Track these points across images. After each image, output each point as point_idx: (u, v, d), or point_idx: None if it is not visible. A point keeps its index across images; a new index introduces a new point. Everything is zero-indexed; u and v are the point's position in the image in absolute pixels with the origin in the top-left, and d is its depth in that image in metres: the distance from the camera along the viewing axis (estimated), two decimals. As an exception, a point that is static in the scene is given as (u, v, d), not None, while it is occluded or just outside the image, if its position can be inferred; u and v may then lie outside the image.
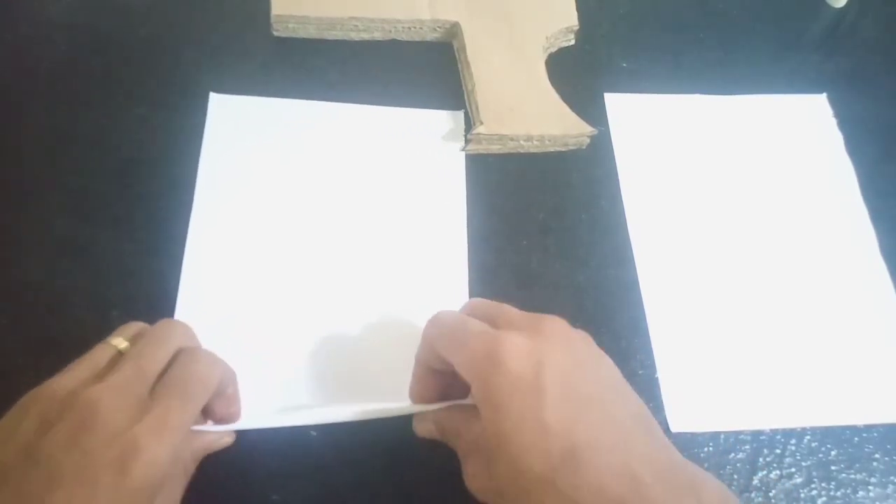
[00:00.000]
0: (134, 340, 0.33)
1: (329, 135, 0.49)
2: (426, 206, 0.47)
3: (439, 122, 0.50)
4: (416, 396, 0.37)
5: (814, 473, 0.42)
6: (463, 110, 0.51)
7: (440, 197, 0.48)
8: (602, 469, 0.28)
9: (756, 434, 0.43)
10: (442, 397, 0.36)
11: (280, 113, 0.49)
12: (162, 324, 0.35)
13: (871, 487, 0.42)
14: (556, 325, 0.33)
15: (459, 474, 0.33)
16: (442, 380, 0.36)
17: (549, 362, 0.30)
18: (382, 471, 0.40)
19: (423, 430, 0.36)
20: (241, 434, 0.37)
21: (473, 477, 0.32)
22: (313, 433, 0.40)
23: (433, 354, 0.34)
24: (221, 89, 0.50)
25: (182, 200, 0.46)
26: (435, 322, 0.35)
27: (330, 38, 0.53)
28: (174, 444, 0.29)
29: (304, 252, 0.45)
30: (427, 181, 0.48)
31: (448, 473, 0.34)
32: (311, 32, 0.53)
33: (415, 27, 0.53)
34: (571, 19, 0.55)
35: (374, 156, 0.49)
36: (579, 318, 0.45)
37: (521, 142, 0.50)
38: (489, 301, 0.37)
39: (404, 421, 0.41)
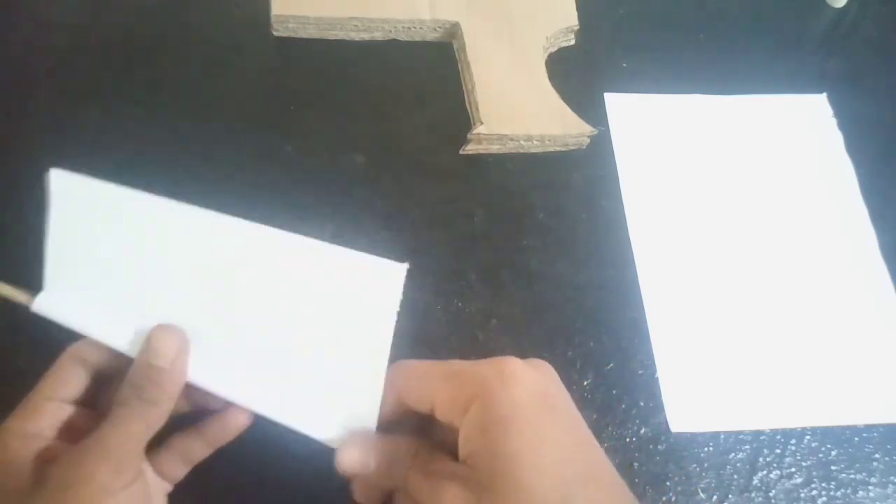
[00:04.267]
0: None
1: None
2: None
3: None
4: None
5: (814, 473, 0.42)
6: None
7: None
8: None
9: (756, 434, 0.43)
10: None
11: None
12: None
13: (871, 487, 0.42)
14: (542, 364, 0.32)
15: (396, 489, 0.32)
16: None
17: (553, 390, 0.30)
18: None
19: (351, 459, 0.31)
20: (239, 435, 0.36)
21: None
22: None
23: (397, 403, 0.31)
24: (221, 88, 0.50)
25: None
26: (400, 366, 0.32)
27: (330, 38, 0.53)
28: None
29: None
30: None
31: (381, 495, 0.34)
32: (311, 32, 0.53)
33: (415, 27, 0.53)
34: (571, 19, 0.55)
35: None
36: (579, 317, 0.45)
37: (521, 142, 0.50)
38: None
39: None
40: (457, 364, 0.31)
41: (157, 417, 0.29)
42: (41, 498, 0.26)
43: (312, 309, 0.30)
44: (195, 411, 0.32)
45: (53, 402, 0.29)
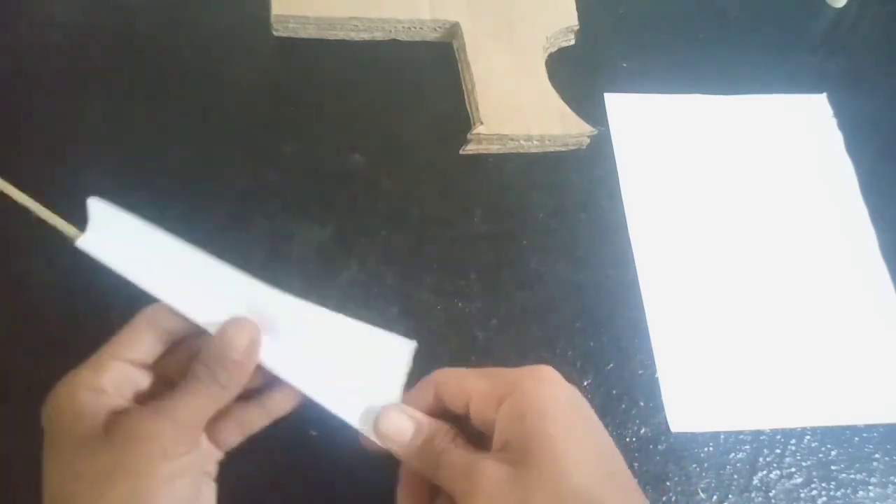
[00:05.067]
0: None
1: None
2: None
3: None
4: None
5: (814, 473, 0.42)
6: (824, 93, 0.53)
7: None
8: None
9: (756, 434, 0.43)
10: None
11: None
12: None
13: (871, 487, 0.42)
14: (550, 368, 0.32)
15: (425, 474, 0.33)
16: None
17: (580, 400, 0.31)
18: (382, 471, 0.40)
19: (391, 422, 0.31)
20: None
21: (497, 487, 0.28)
22: (313, 433, 0.40)
23: (433, 403, 0.33)
24: (221, 88, 0.50)
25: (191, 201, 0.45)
26: (440, 372, 0.33)
27: (330, 38, 0.53)
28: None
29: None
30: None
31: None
32: (311, 32, 0.53)
33: (415, 27, 0.53)
34: (571, 19, 0.55)
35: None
36: (579, 318, 0.46)
37: (521, 142, 0.50)
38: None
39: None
40: (491, 369, 0.32)
41: (224, 398, 0.30)
42: (106, 446, 0.28)
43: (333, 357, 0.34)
44: (261, 385, 0.33)
45: (121, 361, 0.30)
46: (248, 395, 0.33)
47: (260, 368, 0.32)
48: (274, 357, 0.32)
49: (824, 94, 0.56)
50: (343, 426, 0.33)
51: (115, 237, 0.32)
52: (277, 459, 0.39)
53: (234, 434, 0.33)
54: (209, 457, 0.33)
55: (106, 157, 0.47)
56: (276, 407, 0.33)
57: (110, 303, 0.43)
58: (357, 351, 0.33)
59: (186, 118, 0.49)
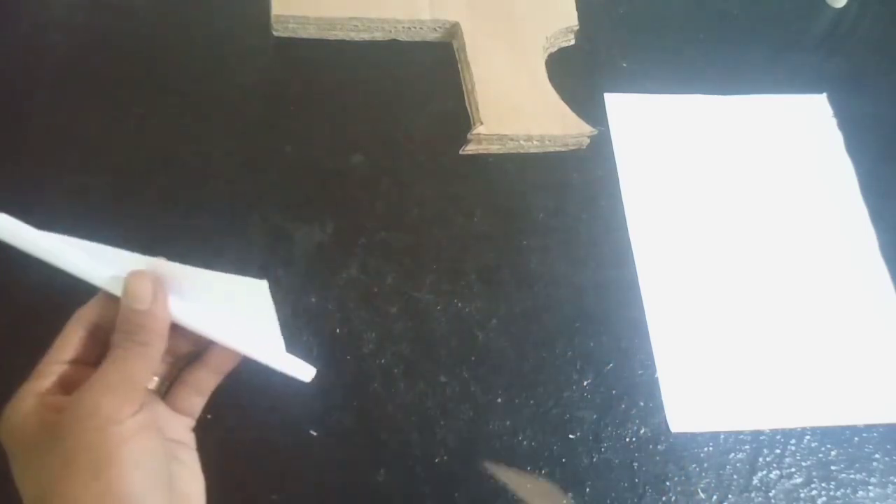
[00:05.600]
0: None
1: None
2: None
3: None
4: None
5: (814, 473, 0.42)
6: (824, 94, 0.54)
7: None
8: None
9: (756, 434, 0.43)
10: None
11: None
12: None
13: (871, 487, 0.42)
14: None
15: (457, 475, 0.33)
16: None
17: None
18: (382, 471, 0.40)
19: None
20: (240, 435, 0.36)
21: None
22: (313, 433, 0.40)
23: None
24: (221, 88, 0.50)
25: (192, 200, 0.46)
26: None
27: (330, 38, 0.53)
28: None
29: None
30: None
31: (447, 474, 0.35)
32: (311, 32, 0.53)
33: (415, 27, 0.53)
34: (571, 19, 0.55)
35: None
36: (580, 317, 0.46)
37: (521, 142, 0.50)
38: None
39: (405, 421, 0.41)
40: None
41: (151, 356, 0.31)
42: (57, 438, 0.28)
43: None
44: (199, 348, 0.34)
45: (60, 364, 0.31)
46: (193, 359, 0.34)
47: (183, 331, 0.32)
48: (182, 313, 0.32)
49: (824, 94, 0.56)
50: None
51: (22, 227, 0.33)
52: (277, 459, 0.39)
53: (193, 397, 0.33)
54: (179, 424, 0.33)
55: (105, 157, 0.47)
56: (222, 363, 0.34)
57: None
58: (231, 297, 0.33)
59: (186, 118, 0.49)
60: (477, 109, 0.50)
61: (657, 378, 0.44)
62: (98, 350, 0.32)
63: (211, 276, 0.33)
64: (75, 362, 0.32)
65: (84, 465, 0.28)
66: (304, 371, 0.33)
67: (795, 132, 0.54)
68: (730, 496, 0.41)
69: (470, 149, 0.50)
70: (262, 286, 0.33)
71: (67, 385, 0.31)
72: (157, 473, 0.30)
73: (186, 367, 0.33)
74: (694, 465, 0.42)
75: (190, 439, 0.33)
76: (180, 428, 0.33)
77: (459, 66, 0.53)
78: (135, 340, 0.30)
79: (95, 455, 0.28)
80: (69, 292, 0.41)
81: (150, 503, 0.29)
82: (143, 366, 0.30)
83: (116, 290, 0.32)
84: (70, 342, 0.32)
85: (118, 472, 0.28)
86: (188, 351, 0.33)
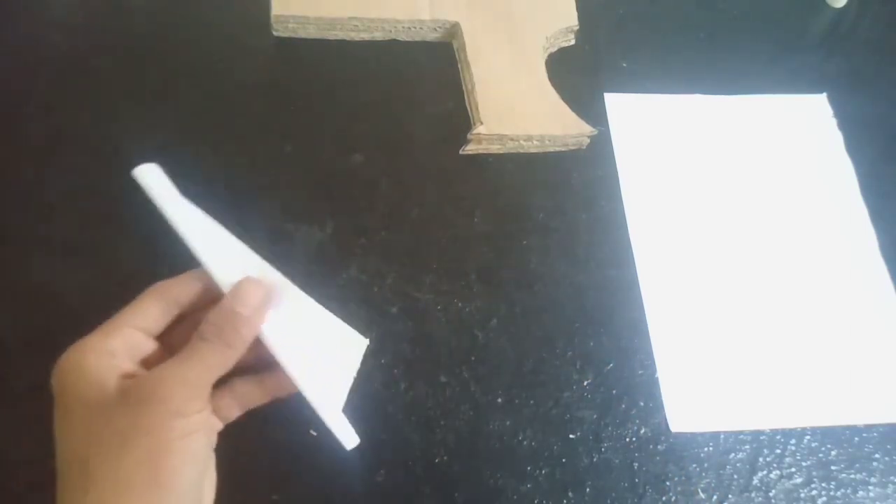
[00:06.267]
0: None
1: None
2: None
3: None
4: None
5: (814, 473, 0.42)
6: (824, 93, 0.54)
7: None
8: None
9: (756, 434, 0.43)
10: None
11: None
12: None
13: (871, 487, 0.42)
14: None
15: (457, 475, 0.33)
16: None
17: None
18: (382, 471, 0.40)
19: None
20: (240, 435, 0.36)
21: None
22: (313, 433, 0.40)
23: None
24: (221, 88, 0.50)
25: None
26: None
27: (330, 38, 0.53)
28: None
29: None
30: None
31: (447, 474, 0.35)
32: (311, 32, 0.53)
33: (415, 27, 0.53)
34: (571, 19, 0.55)
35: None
36: (580, 317, 0.46)
37: (521, 142, 0.50)
38: None
39: (406, 421, 0.41)
40: None
41: (230, 358, 0.31)
42: (120, 409, 0.28)
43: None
44: (258, 364, 0.34)
45: (129, 328, 0.31)
46: (246, 372, 0.34)
47: (256, 342, 0.32)
48: (272, 330, 0.33)
49: (824, 94, 0.56)
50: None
51: (167, 186, 0.34)
52: (277, 459, 0.39)
53: (233, 407, 0.34)
54: (211, 424, 0.34)
55: (105, 157, 0.47)
56: (274, 387, 0.34)
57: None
58: (326, 338, 0.34)
59: (186, 118, 0.49)
60: (477, 109, 0.50)
61: (657, 378, 0.44)
62: (167, 326, 0.33)
63: (319, 311, 0.34)
64: (144, 331, 0.32)
65: (141, 447, 0.28)
66: (349, 437, 0.33)
67: (795, 132, 0.54)
68: (730, 496, 0.41)
69: (470, 149, 0.50)
70: (361, 343, 0.34)
71: (134, 352, 0.31)
72: (201, 472, 0.30)
73: (239, 378, 0.33)
74: (694, 465, 0.42)
75: (215, 441, 0.34)
76: (212, 430, 0.33)
77: (459, 66, 0.53)
78: (222, 339, 0.31)
79: (155, 442, 0.28)
80: (69, 292, 0.41)
81: (190, 500, 0.29)
82: (221, 365, 0.31)
83: (221, 282, 0.32)
84: (144, 311, 0.32)
85: (172, 464, 0.28)
86: (250, 363, 0.33)
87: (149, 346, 0.32)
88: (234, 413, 0.34)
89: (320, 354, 0.34)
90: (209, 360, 0.30)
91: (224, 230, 0.34)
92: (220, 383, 0.32)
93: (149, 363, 0.31)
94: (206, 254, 0.33)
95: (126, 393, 0.29)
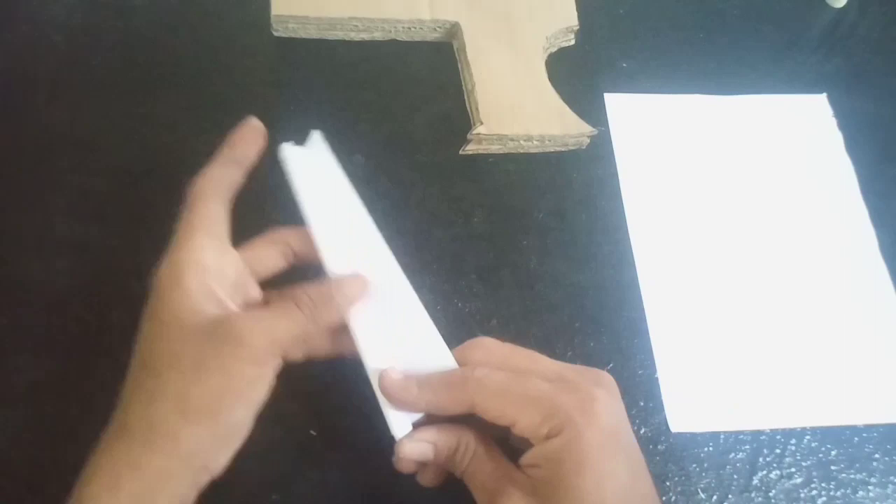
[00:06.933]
0: None
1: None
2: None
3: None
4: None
5: (814, 473, 0.42)
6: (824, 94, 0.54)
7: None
8: None
9: (756, 434, 0.43)
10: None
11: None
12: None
13: (871, 487, 0.42)
14: (611, 382, 0.33)
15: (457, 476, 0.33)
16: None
17: (623, 424, 0.32)
18: (383, 471, 0.40)
19: (413, 451, 0.33)
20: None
21: None
22: (313, 433, 0.40)
23: (470, 410, 0.32)
24: (221, 88, 0.50)
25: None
26: (479, 383, 0.32)
27: (330, 38, 0.53)
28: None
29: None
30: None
31: (447, 474, 0.34)
32: (311, 32, 0.53)
33: (415, 27, 0.53)
34: (571, 19, 0.55)
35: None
36: (579, 318, 0.46)
37: (521, 142, 0.50)
38: (514, 347, 0.35)
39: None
40: (538, 385, 0.32)
41: (311, 333, 0.34)
42: (205, 338, 0.31)
43: None
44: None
45: (208, 236, 0.34)
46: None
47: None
48: (362, 329, 0.35)
49: (824, 94, 0.56)
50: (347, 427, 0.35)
51: (312, 165, 0.37)
52: (277, 459, 0.39)
53: (299, 351, 0.36)
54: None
55: (104, 157, 0.47)
56: (342, 345, 0.36)
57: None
58: (425, 364, 0.35)
59: (186, 118, 0.49)
60: (477, 109, 0.50)
61: (657, 378, 0.44)
62: (229, 226, 0.35)
63: (422, 317, 0.36)
64: (253, 268, 0.35)
65: (213, 380, 0.30)
66: (401, 426, 0.33)
67: (795, 132, 0.54)
68: (730, 496, 0.41)
69: (470, 149, 0.50)
70: (447, 357, 0.34)
71: (232, 285, 0.33)
72: (255, 416, 0.32)
73: None
74: (694, 465, 0.42)
75: None
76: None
77: (459, 66, 0.53)
78: (313, 314, 0.33)
79: (229, 381, 0.30)
80: (69, 292, 0.41)
81: (238, 438, 0.32)
82: (304, 334, 0.33)
83: (330, 263, 0.35)
84: (212, 215, 0.34)
85: (234, 405, 0.31)
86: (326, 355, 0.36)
87: (232, 272, 0.34)
88: (299, 357, 0.36)
89: (404, 352, 0.35)
90: (296, 325, 0.32)
91: (360, 211, 0.37)
92: None
93: (235, 293, 0.34)
94: (323, 232, 0.36)
95: (216, 326, 0.31)
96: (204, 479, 0.32)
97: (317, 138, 0.38)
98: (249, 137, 0.37)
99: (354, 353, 0.35)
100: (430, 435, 0.33)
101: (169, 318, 0.31)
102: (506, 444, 0.34)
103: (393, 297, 0.36)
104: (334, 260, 0.35)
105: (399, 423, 0.33)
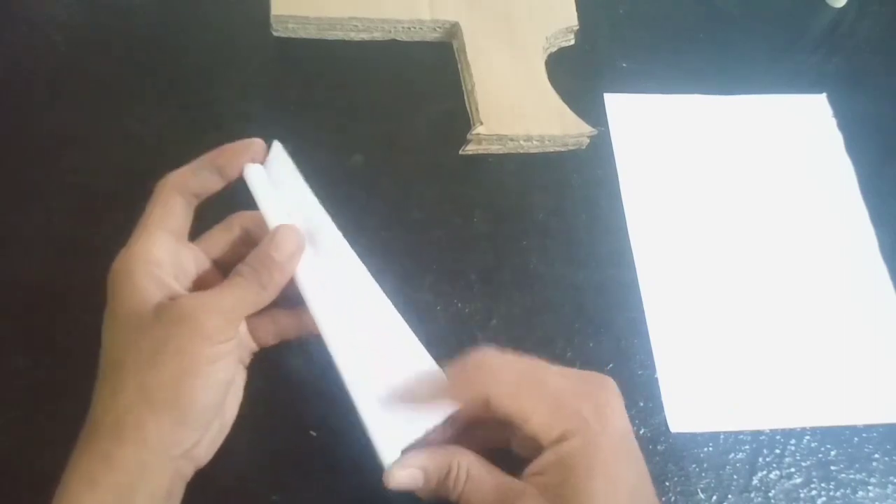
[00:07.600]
0: None
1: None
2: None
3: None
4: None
5: (813, 473, 0.42)
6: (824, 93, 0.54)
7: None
8: None
9: (756, 434, 0.43)
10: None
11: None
12: None
13: (870, 487, 0.42)
14: (615, 386, 0.33)
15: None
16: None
17: (629, 428, 0.32)
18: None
19: (402, 480, 0.32)
20: (240, 434, 0.36)
21: None
22: (313, 433, 0.40)
23: (481, 404, 0.32)
24: (221, 88, 0.50)
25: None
26: (491, 372, 0.32)
27: (330, 38, 0.53)
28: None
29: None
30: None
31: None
32: (311, 32, 0.53)
33: (415, 27, 0.53)
34: (571, 19, 0.55)
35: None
36: (579, 318, 0.46)
37: (521, 142, 0.50)
38: (515, 356, 0.34)
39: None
40: (552, 382, 0.32)
41: (262, 299, 0.33)
42: (157, 324, 0.30)
43: None
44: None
45: (163, 231, 0.33)
46: (288, 306, 0.35)
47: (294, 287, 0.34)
48: (333, 336, 0.34)
49: (824, 94, 0.56)
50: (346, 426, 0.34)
51: (274, 180, 0.37)
52: (277, 460, 0.39)
53: (270, 334, 0.36)
54: (246, 347, 0.36)
55: (104, 157, 0.47)
56: (310, 322, 0.35)
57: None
58: (404, 369, 0.34)
59: (186, 118, 0.49)
60: (477, 109, 0.50)
61: (657, 378, 0.44)
62: (190, 222, 0.35)
63: (399, 325, 0.36)
64: (175, 233, 0.34)
65: (169, 365, 0.30)
66: (390, 452, 0.32)
67: (795, 132, 0.54)
68: (730, 496, 0.41)
69: (470, 149, 0.50)
70: (426, 360, 0.34)
71: (178, 269, 0.33)
72: (223, 395, 0.32)
73: (279, 308, 0.35)
74: (694, 465, 0.42)
75: (248, 359, 0.36)
76: (248, 351, 0.36)
77: (459, 66, 0.53)
78: (258, 281, 0.32)
79: (185, 362, 0.30)
80: (69, 292, 0.41)
81: (205, 420, 0.31)
82: (254, 302, 0.33)
83: (300, 276, 0.34)
84: (169, 209, 0.34)
85: (194, 387, 0.30)
86: (293, 298, 0.35)
87: (188, 256, 0.34)
88: (270, 340, 0.36)
89: (382, 361, 0.34)
90: (243, 295, 0.32)
91: (324, 220, 0.37)
92: (262, 312, 0.34)
93: (185, 272, 0.34)
94: (269, 208, 0.35)
95: (165, 310, 0.30)
96: (187, 470, 0.32)
97: (278, 149, 0.37)
98: (241, 150, 0.36)
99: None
100: (420, 461, 0.32)
101: (123, 311, 0.31)
102: (502, 461, 0.33)
103: (364, 303, 0.35)
104: (303, 273, 0.34)
105: (388, 449, 0.32)
